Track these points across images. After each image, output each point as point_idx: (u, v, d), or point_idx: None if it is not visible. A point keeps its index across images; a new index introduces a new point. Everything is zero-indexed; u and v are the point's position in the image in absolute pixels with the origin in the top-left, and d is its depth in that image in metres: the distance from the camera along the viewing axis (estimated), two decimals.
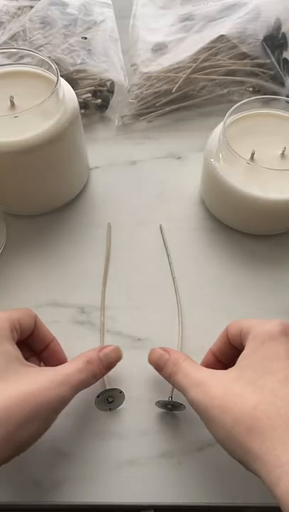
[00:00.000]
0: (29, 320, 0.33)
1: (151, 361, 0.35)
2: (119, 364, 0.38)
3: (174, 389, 0.35)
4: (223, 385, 0.29)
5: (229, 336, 0.33)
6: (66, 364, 0.32)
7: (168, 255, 0.43)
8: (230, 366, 0.31)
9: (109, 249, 0.44)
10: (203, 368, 0.31)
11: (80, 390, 0.31)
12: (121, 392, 0.35)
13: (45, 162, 0.41)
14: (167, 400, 0.35)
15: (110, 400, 0.35)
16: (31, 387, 0.28)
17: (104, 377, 0.35)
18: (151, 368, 0.38)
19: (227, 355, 0.34)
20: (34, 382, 0.29)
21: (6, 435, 0.27)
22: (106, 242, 0.44)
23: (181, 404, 0.35)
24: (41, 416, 0.28)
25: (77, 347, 0.39)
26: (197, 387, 0.29)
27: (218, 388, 0.28)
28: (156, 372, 0.38)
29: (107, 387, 0.35)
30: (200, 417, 0.30)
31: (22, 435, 0.27)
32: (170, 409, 0.36)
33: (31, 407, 0.27)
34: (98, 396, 0.35)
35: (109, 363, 0.33)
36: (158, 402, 0.35)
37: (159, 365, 0.34)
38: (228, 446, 0.28)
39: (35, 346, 0.35)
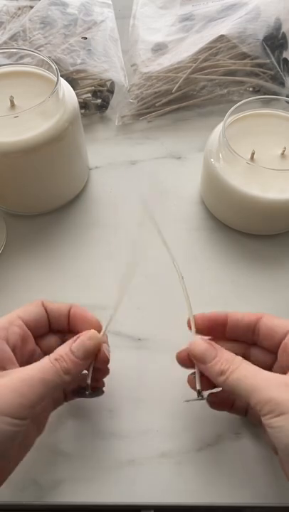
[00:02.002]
0: (34, 311, 0.32)
1: (194, 352, 0.31)
2: (119, 364, 0.38)
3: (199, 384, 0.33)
4: None
5: (266, 325, 0.32)
6: (31, 365, 0.29)
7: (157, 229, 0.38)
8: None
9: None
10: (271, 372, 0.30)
11: (53, 391, 0.29)
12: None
13: (45, 162, 0.41)
14: (198, 397, 0.33)
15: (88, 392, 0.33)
16: None
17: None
18: (151, 367, 0.38)
19: (237, 334, 0.33)
20: None
21: None
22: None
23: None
24: None
25: None
26: (285, 386, 0.28)
27: None
28: (157, 372, 0.38)
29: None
30: (275, 418, 0.27)
31: None
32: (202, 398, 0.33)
33: None
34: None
35: (85, 352, 0.30)
36: (186, 400, 0.33)
37: (204, 358, 0.31)
38: None
39: (60, 326, 0.33)
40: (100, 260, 0.44)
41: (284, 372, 0.29)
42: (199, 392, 0.33)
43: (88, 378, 0.32)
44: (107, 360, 0.33)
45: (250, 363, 0.30)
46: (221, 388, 0.33)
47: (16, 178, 0.42)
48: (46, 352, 0.32)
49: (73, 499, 0.34)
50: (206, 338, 0.33)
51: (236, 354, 0.31)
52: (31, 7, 0.57)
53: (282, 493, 0.33)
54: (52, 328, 0.34)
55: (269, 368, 0.32)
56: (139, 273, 0.43)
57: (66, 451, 0.35)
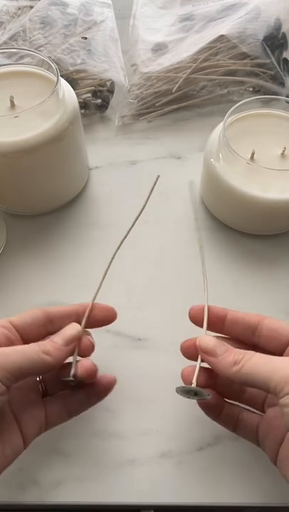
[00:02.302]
0: (29, 317, 0.32)
1: (204, 345, 0.32)
2: (119, 364, 0.38)
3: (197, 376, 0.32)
4: None
5: (269, 326, 0.31)
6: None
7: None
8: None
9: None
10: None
11: (32, 368, 0.29)
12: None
13: (45, 162, 0.41)
14: (190, 387, 0.32)
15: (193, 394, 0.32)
16: None
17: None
18: (151, 367, 0.38)
19: (235, 332, 0.33)
20: None
21: None
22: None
23: (204, 392, 0.32)
24: None
25: None
26: None
27: None
28: (157, 373, 0.38)
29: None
30: None
31: None
32: (193, 395, 0.32)
33: None
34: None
35: (64, 338, 0.31)
36: (178, 388, 0.32)
37: (215, 351, 0.31)
38: None
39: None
40: (100, 260, 0.44)
41: None
42: (195, 392, 0.32)
43: (72, 368, 0.32)
44: (91, 346, 0.33)
45: (262, 354, 0.30)
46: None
47: (16, 178, 0.42)
48: None
49: (73, 499, 0.34)
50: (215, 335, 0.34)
51: None
52: (31, 7, 0.57)
53: (282, 493, 0.33)
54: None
55: None
56: (140, 273, 0.43)
57: (66, 451, 0.35)
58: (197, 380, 0.32)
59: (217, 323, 0.33)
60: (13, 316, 0.32)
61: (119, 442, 0.35)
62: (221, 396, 0.33)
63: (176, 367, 0.37)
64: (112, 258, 0.34)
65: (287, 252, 0.44)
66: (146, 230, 0.46)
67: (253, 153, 0.40)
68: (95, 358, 0.39)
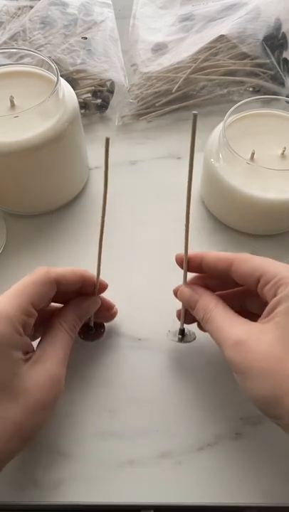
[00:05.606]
0: (47, 295, 0.33)
1: (181, 300, 0.36)
2: (119, 363, 0.38)
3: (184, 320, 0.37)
4: (264, 347, 0.28)
5: (236, 273, 0.32)
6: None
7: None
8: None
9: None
10: (237, 321, 0.30)
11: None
12: None
13: (45, 162, 0.41)
14: (178, 335, 0.37)
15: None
16: None
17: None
18: (151, 367, 0.38)
19: (216, 276, 0.34)
20: None
21: None
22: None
23: (192, 334, 0.37)
24: None
25: (79, 347, 0.39)
26: (235, 346, 0.29)
27: (258, 350, 0.28)
28: (157, 373, 0.38)
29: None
30: (234, 372, 0.29)
31: None
32: (180, 339, 0.37)
33: None
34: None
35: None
36: (169, 331, 0.37)
37: (189, 305, 0.34)
38: (262, 404, 0.28)
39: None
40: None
41: None
42: (182, 332, 0.37)
43: (91, 321, 0.37)
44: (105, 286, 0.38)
45: (224, 310, 0.32)
46: None
47: (16, 178, 0.42)
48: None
49: (73, 499, 0.34)
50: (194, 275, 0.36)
51: (238, 295, 0.34)
52: (31, 7, 0.57)
53: (283, 493, 0.33)
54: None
55: None
56: (140, 273, 0.43)
57: (66, 451, 0.35)
58: (186, 321, 0.36)
59: (198, 270, 0.35)
60: None
61: (119, 442, 0.35)
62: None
63: (176, 367, 0.37)
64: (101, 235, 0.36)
65: (287, 252, 0.44)
66: (146, 230, 0.46)
67: (253, 153, 0.40)
68: (94, 357, 0.39)
